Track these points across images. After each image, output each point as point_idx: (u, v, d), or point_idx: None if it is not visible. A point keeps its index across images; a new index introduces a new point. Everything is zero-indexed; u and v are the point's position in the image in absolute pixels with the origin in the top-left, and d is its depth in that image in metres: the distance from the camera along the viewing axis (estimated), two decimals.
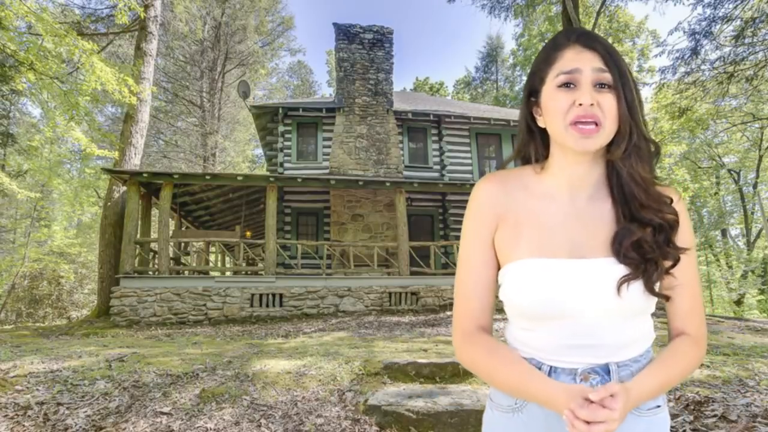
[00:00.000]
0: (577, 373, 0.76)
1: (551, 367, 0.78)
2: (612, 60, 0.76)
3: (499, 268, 0.84)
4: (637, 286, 0.74)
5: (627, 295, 0.73)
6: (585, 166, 0.80)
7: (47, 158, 17.51)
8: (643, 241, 0.75)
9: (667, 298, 0.80)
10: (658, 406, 0.79)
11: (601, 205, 0.81)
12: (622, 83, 0.75)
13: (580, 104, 0.74)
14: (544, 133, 0.84)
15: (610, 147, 0.78)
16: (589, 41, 0.77)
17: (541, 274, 0.76)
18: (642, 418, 0.77)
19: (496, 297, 0.86)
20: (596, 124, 0.74)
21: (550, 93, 0.78)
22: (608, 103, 0.74)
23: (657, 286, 0.76)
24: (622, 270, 0.74)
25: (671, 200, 0.79)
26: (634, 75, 0.78)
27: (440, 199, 12.81)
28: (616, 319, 0.75)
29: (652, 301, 0.77)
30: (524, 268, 0.77)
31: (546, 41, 0.88)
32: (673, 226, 0.78)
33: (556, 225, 0.80)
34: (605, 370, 0.76)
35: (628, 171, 0.78)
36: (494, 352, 0.79)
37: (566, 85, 0.76)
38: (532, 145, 0.86)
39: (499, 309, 9.22)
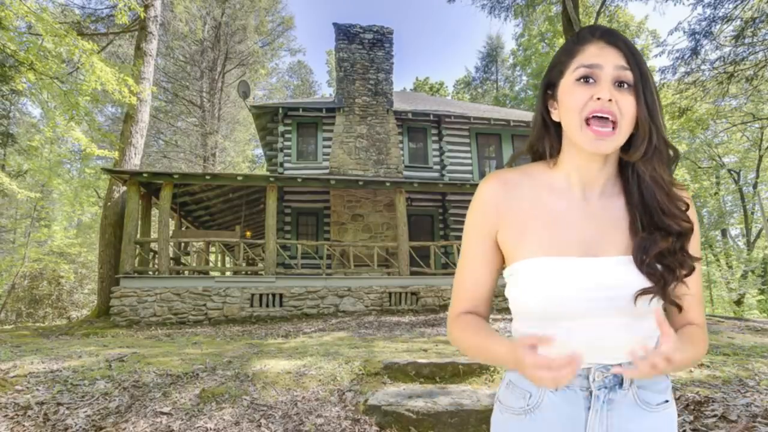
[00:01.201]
0: (590, 373, 0.76)
1: None
2: (634, 60, 0.74)
3: (501, 267, 0.84)
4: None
5: (642, 302, 0.73)
6: (598, 164, 0.79)
7: (47, 158, 17.51)
8: (667, 252, 0.75)
9: (680, 308, 0.79)
10: (667, 401, 0.79)
11: (613, 203, 0.80)
12: (642, 84, 0.74)
13: (598, 98, 0.72)
14: (558, 128, 0.83)
15: (627, 148, 0.77)
16: (613, 38, 0.76)
17: (552, 273, 0.75)
18: (652, 413, 0.77)
19: (494, 295, 0.86)
20: (613, 124, 0.72)
21: (567, 86, 0.77)
22: (627, 102, 0.73)
23: (671, 296, 0.76)
24: (635, 271, 0.74)
25: (687, 207, 0.79)
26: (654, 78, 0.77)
27: (440, 199, 12.80)
28: (628, 318, 0.75)
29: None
30: (534, 266, 0.76)
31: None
32: (688, 234, 0.77)
33: (567, 222, 0.78)
34: None
35: (651, 174, 0.76)
36: (468, 324, 0.81)
37: (585, 79, 0.75)
38: (547, 139, 0.84)
39: (501, 309, 9.21)
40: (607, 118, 0.72)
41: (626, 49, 0.75)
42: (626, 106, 0.73)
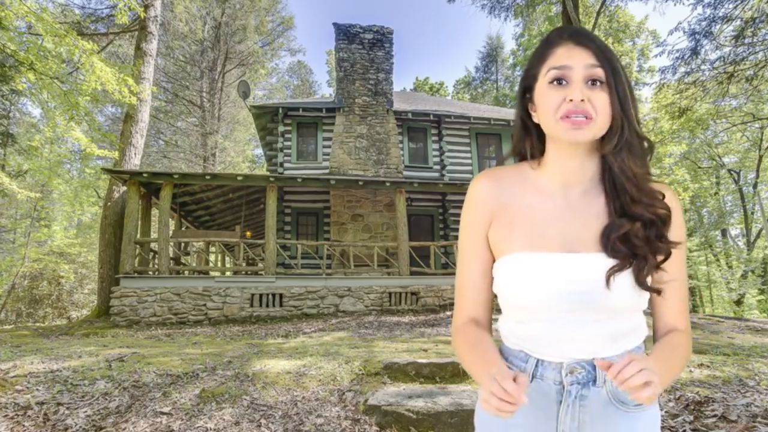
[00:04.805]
0: (563, 367, 0.77)
1: (538, 360, 0.79)
2: (605, 56, 0.76)
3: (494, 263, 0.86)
4: (627, 279, 0.74)
5: (616, 288, 0.73)
6: (578, 161, 0.80)
7: (47, 158, 17.49)
8: (632, 235, 0.75)
9: (659, 292, 0.79)
10: None
11: (595, 200, 0.81)
12: (614, 79, 0.75)
13: (571, 100, 0.74)
14: (539, 130, 0.85)
15: (601, 142, 0.78)
16: (581, 38, 0.77)
17: (532, 267, 0.76)
18: (628, 414, 0.77)
19: (492, 297, 0.87)
20: (587, 118, 0.74)
21: (542, 90, 0.78)
22: (600, 99, 0.74)
23: (648, 281, 0.76)
24: (611, 264, 0.74)
25: (663, 196, 0.79)
26: (633, 74, 0.78)
27: (440, 199, 12.80)
28: (604, 313, 0.76)
29: (644, 297, 0.77)
30: (516, 261, 0.78)
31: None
32: (665, 220, 0.78)
33: (550, 219, 0.80)
34: (592, 366, 0.77)
35: (620, 166, 0.78)
36: (470, 341, 0.81)
37: (558, 81, 0.76)
38: (528, 141, 0.86)
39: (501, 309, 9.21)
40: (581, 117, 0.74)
41: (595, 47, 0.76)
42: (600, 103, 0.74)
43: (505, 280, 0.79)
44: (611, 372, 0.63)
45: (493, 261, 0.85)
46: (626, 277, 0.74)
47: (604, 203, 0.80)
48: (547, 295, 0.75)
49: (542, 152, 0.85)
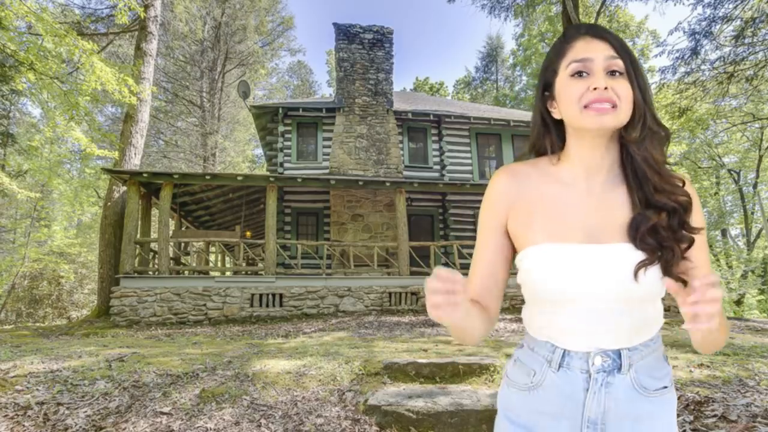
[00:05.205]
0: (590, 356, 0.78)
1: (565, 350, 0.80)
2: (622, 48, 0.78)
3: (512, 258, 0.87)
4: (654, 271, 0.75)
5: (644, 280, 0.74)
6: (600, 151, 0.81)
7: (47, 158, 17.48)
8: (659, 227, 0.76)
9: (685, 283, 0.78)
10: (665, 387, 0.80)
11: (616, 190, 0.82)
12: (634, 69, 0.77)
13: (595, 88, 0.76)
14: (559, 127, 0.86)
15: (625, 131, 0.79)
16: (599, 32, 0.80)
17: (556, 259, 0.77)
18: (649, 398, 0.78)
19: (502, 286, 0.87)
20: (613, 106, 0.75)
21: (563, 83, 0.80)
22: (622, 87, 0.76)
23: (674, 271, 0.76)
24: (639, 255, 0.75)
25: (683, 183, 0.81)
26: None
27: (440, 199, 12.80)
28: (631, 303, 0.77)
29: (665, 284, 0.78)
30: (539, 252, 0.79)
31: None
32: (687, 208, 0.79)
33: (571, 210, 0.81)
34: (617, 355, 0.78)
35: (643, 155, 0.79)
36: None
37: (579, 74, 0.78)
38: (548, 138, 0.88)
39: (501, 309, 9.21)
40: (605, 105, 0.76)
41: (613, 40, 0.79)
42: (622, 90, 0.76)
43: (530, 273, 0.80)
44: (701, 293, 0.63)
45: (512, 254, 0.87)
46: (653, 268, 0.75)
47: (626, 193, 0.82)
48: (571, 286, 0.76)
49: (561, 148, 0.87)
